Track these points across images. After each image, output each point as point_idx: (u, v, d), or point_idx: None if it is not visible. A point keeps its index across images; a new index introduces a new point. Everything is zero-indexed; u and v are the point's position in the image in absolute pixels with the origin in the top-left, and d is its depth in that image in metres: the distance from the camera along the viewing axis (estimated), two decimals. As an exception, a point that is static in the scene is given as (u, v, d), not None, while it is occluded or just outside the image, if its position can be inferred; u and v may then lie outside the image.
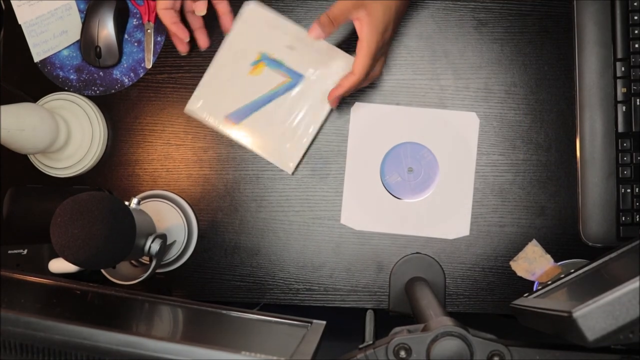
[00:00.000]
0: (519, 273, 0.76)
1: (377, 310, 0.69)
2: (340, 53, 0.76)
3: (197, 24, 0.77)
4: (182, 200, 0.80)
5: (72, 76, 0.82)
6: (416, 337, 0.50)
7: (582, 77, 0.76)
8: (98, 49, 0.80)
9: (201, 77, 0.78)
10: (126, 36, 0.81)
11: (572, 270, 0.63)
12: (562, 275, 0.64)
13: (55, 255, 0.71)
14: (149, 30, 0.81)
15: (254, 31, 0.77)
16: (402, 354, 0.50)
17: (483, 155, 0.78)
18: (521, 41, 0.79)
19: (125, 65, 0.81)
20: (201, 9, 0.73)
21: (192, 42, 0.78)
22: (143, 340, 0.42)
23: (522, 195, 0.78)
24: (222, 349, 0.42)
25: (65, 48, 0.82)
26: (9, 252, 0.75)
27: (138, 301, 0.57)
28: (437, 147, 0.78)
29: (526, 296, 0.63)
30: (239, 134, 0.78)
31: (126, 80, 0.81)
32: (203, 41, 0.78)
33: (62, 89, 0.82)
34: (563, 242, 0.77)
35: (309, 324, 0.53)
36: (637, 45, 0.74)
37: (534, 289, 0.72)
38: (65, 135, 0.77)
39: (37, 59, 0.82)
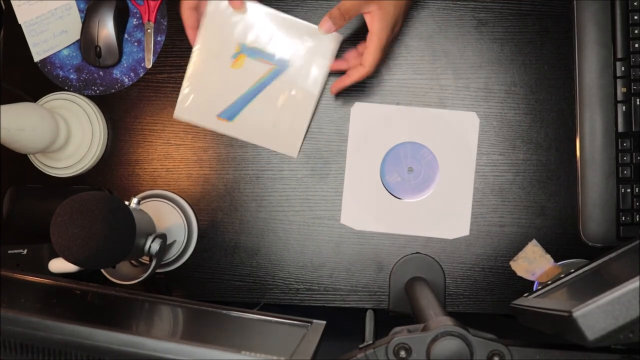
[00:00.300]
0: (519, 273, 0.76)
1: (377, 310, 0.69)
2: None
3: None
4: (182, 200, 0.80)
5: (72, 76, 0.82)
6: (416, 337, 0.50)
7: (582, 76, 0.76)
8: (98, 49, 0.80)
9: None
10: (126, 36, 0.81)
11: (572, 270, 0.63)
12: (562, 275, 0.64)
13: (55, 255, 0.71)
14: (149, 30, 0.81)
15: (227, 25, 0.74)
16: (402, 353, 0.50)
17: (483, 155, 0.78)
18: (521, 41, 0.79)
19: (125, 65, 0.81)
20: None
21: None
22: (143, 339, 0.42)
23: (522, 195, 0.78)
24: (222, 348, 0.42)
25: (65, 48, 0.82)
26: (9, 252, 0.75)
27: (138, 301, 0.57)
28: (437, 147, 0.78)
29: (526, 296, 0.63)
30: (235, 130, 0.78)
31: (126, 80, 0.81)
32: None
33: (62, 89, 0.82)
34: (563, 242, 0.77)
35: (309, 324, 0.53)
36: (637, 45, 0.74)
37: (534, 289, 0.72)
38: (65, 135, 0.77)
39: (37, 58, 0.82)
